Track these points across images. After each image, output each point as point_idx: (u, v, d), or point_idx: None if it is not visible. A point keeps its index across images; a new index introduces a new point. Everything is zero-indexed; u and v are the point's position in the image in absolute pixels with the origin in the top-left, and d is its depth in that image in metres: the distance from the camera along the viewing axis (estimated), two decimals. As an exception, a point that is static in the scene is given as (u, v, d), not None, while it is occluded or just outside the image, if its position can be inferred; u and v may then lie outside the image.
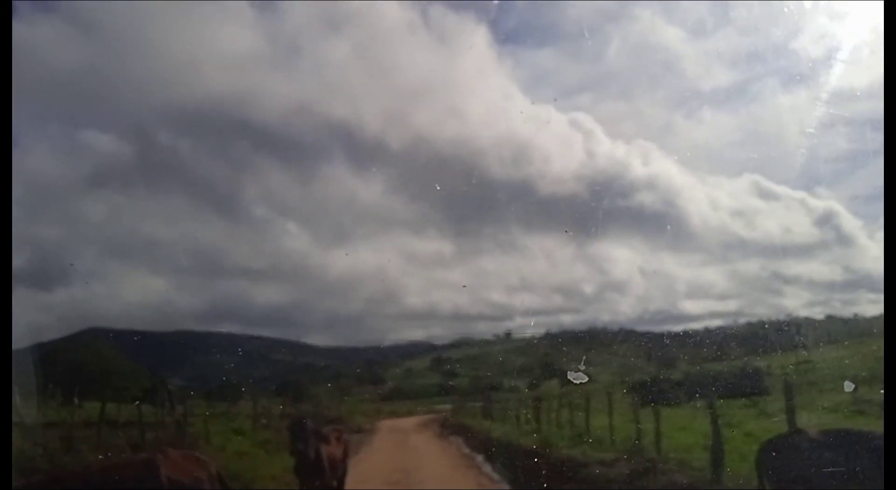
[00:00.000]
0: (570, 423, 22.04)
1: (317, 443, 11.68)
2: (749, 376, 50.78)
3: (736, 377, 50.74)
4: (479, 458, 22.04)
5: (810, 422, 27.19)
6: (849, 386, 31.62)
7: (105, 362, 70.67)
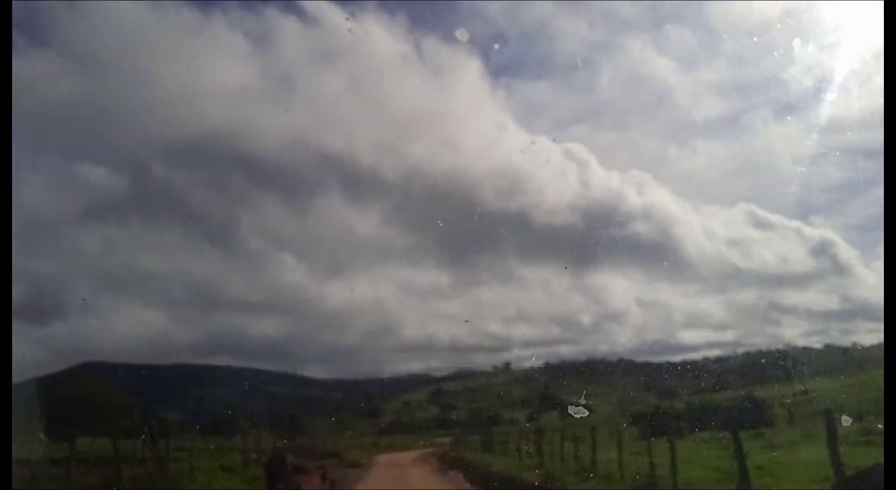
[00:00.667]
0: (573, 457, 21.45)
1: (298, 480, 11.09)
2: (750, 408, 50.05)
3: (736, 409, 50.02)
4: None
5: (814, 453, 26.58)
6: (846, 420, 30.94)
7: (98, 397, 69.39)
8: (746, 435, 39.24)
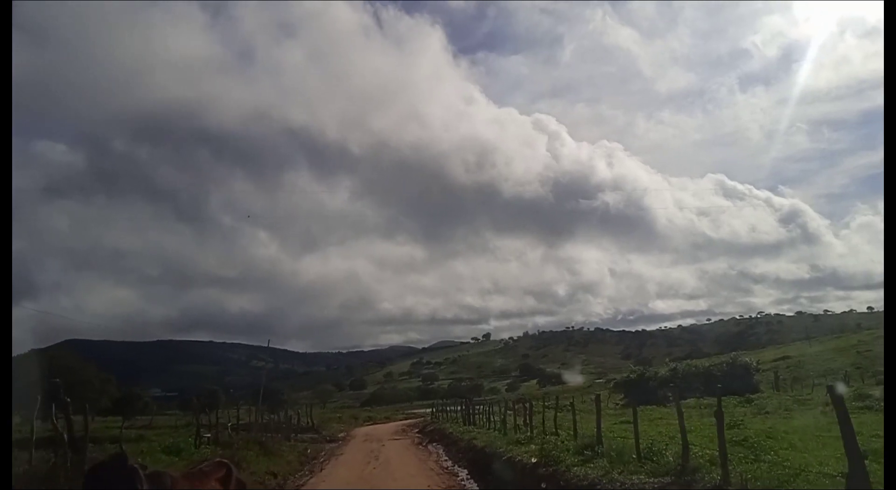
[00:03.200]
0: (557, 428, 19.12)
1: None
2: (733, 374, 48.52)
3: (721, 375, 48.47)
4: (461, 473, 19.00)
5: (812, 420, 24.73)
6: (841, 388, 29.06)
7: (75, 374, 66.86)
8: (735, 401, 37.72)
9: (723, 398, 40.36)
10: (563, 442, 15.52)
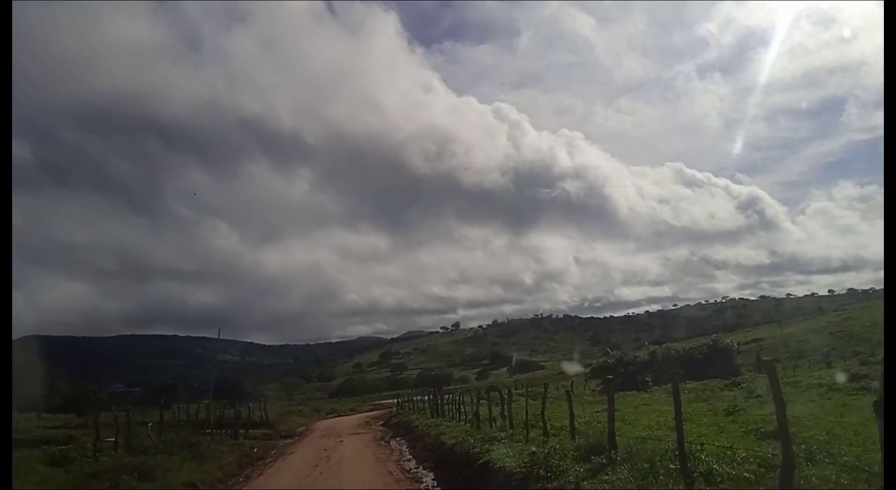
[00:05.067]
0: (530, 419, 15.70)
1: None
2: (709, 357, 45.73)
3: (697, 359, 45.67)
4: (426, 478, 15.35)
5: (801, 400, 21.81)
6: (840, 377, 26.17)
7: (22, 371, 61.98)
8: (720, 384, 34.84)
9: (707, 381, 37.39)
10: (558, 441, 11.89)
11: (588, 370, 55.02)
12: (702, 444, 9.00)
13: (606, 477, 8.20)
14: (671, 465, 7.80)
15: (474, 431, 18.56)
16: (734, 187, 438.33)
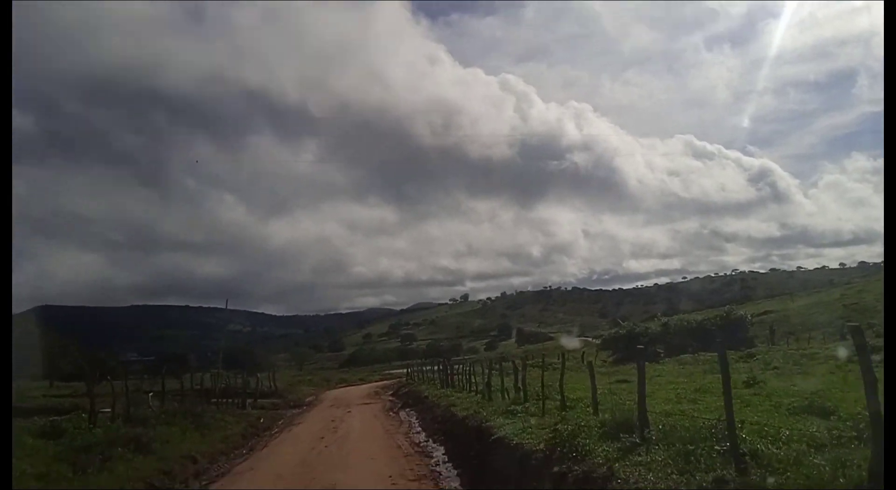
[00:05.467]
0: (540, 390, 14.83)
1: None
2: (724, 329, 44.77)
3: (710, 330, 44.71)
4: (436, 453, 14.57)
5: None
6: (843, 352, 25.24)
7: (35, 340, 61.92)
8: (735, 356, 33.95)
9: (703, 354, 36.23)
10: (579, 416, 10.92)
11: (599, 341, 54.24)
12: (741, 422, 8.04)
13: (640, 458, 7.22)
14: (715, 446, 6.84)
15: (486, 403, 17.73)
16: (745, 159, 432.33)
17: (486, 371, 20.97)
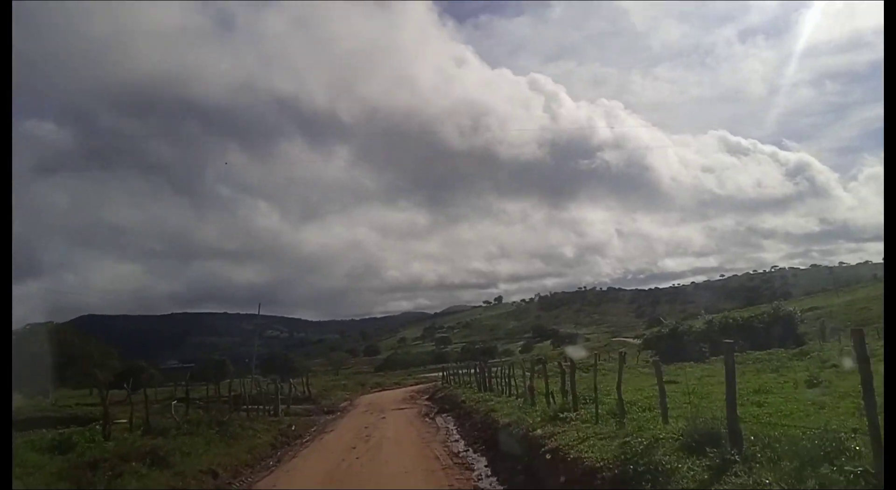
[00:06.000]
0: (584, 394, 13.33)
1: None
2: (773, 325, 42.48)
3: (758, 327, 42.46)
4: (478, 465, 13.09)
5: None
6: None
7: (76, 349, 62.12)
8: (787, 354, 31.84)
9: (771, 351, 34.20)
10: (645, 425, 9.31)
11: (640, 341, 52.20)
12: (855, 431, 6.45)
13: (740, 480, 5.69)
14: (846, 467, 5.28)
15: (530, 408, 16.23)
16: (782, 154, 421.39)
17: (527, 373, 19.49)
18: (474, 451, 14.85)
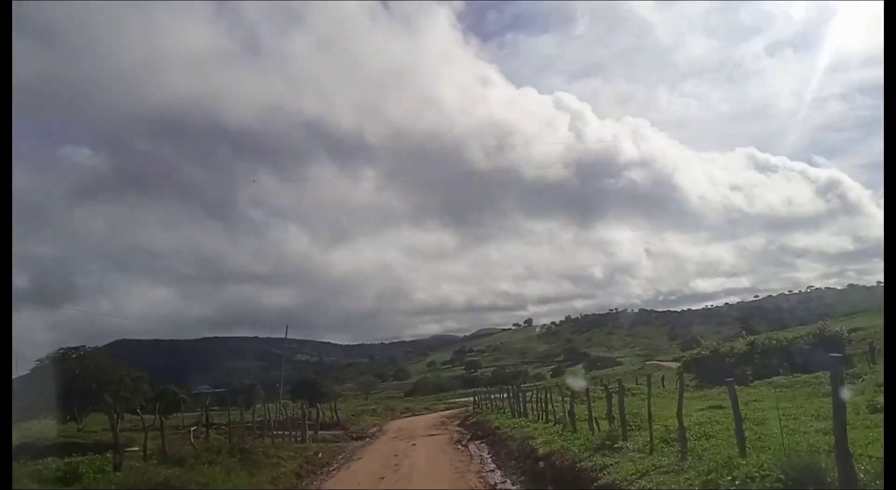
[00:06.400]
0: (630, 419, 12.03)
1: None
2: (819, 346, 40.40)
3: (804, 348, 40.42)
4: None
5: None
6: None
7: (107, 374, 61.92)
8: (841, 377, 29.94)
9: (818, 374, 32.33)
10: (712, 457, 8.02)
11: (680, 364, 50.15)
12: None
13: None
14: None
15: (571, 436, 14.96)
16: (812, 171, 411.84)
17: (566, 398, 18.23)
18: (512, 482, 13.61)
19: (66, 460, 13.13)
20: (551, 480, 11.49)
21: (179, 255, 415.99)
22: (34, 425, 43.81)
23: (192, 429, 19.55)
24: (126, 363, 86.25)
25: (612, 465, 9.53)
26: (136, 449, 15.10)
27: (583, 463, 10.51)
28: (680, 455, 8.92)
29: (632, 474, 8.52)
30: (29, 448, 19.45)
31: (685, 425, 12.17)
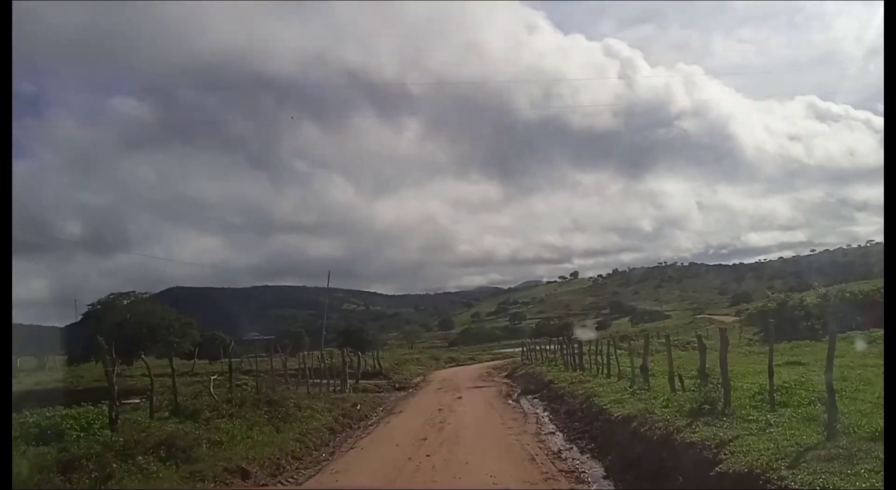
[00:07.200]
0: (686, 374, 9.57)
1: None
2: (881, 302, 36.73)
3: (870, 302, 36.96)
4: (596, 474, 9.48)
5: None
6: None
7: (158, 319, 61.93)
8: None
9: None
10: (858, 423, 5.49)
11: (742, 317, 47.00)
12: None
13: None
14: None
15: (646, 395, 12.55)
16: (876, 120, 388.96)
17: (632, 351, 15.77)
18: (580, 451, 11.27)
19: (51, 413, 11.21)
20: (634, 449, 9.11)
21: (226, 205, 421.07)
22: (79, 370, 43.66)
23: (212, 377, 17.66)
24: (176, 310, 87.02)
25: (731, 439, 7.08)
26: (138, 400, 13.30)
27: (682, 434, 8.09)
28: (825, 428, 6.42)
29: (775, 457, 6.02)
30: (51, 394, 18.07)
31: (764, 385, 9.65)
